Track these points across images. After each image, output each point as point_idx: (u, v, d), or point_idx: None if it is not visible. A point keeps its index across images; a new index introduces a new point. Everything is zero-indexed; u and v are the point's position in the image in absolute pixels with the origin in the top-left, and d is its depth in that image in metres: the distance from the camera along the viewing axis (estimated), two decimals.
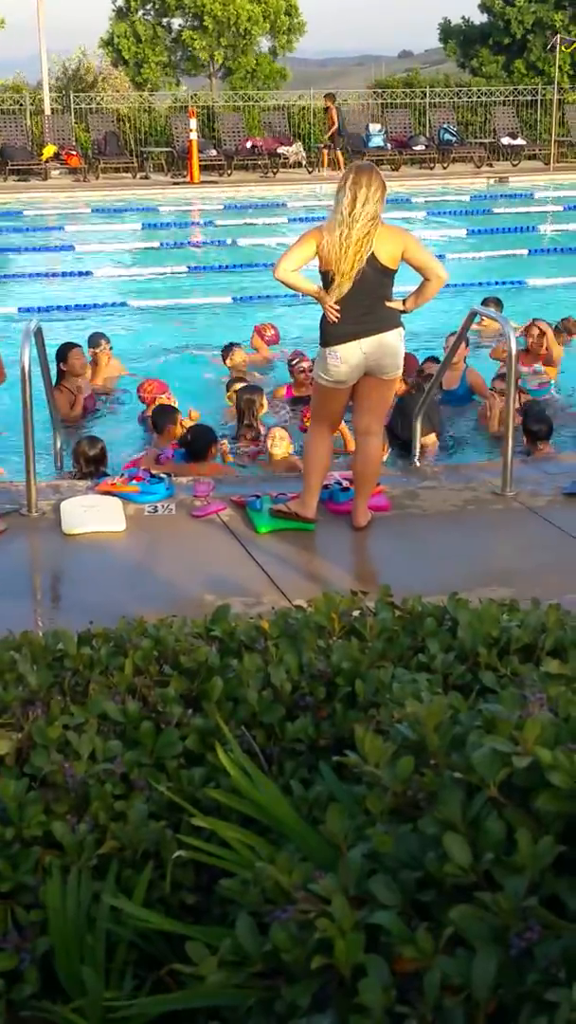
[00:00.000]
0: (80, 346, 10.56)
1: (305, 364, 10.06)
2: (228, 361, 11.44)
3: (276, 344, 12.36)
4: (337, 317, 6.35)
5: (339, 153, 28.95)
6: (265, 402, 9.61)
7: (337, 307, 6.35)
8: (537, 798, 1.58)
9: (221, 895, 1.98)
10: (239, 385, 10.63)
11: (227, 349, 11.54)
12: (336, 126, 29.43)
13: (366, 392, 6.58)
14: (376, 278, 6.36)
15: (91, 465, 8.22)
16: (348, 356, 6.41)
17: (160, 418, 9.05)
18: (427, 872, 1.64)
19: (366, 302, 6.36)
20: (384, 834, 1.72)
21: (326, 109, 29.82)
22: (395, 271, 6.44)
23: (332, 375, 6.50)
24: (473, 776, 1.66)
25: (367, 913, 1.63)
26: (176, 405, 9.50)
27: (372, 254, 6.31)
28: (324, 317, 6.48)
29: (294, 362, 10.60)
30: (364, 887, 1.68)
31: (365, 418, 6.67)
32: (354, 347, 6.39)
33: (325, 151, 29.29)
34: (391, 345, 6.45)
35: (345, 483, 7.03)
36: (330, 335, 6.45)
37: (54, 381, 9.74)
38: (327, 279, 6.40)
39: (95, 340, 11.33)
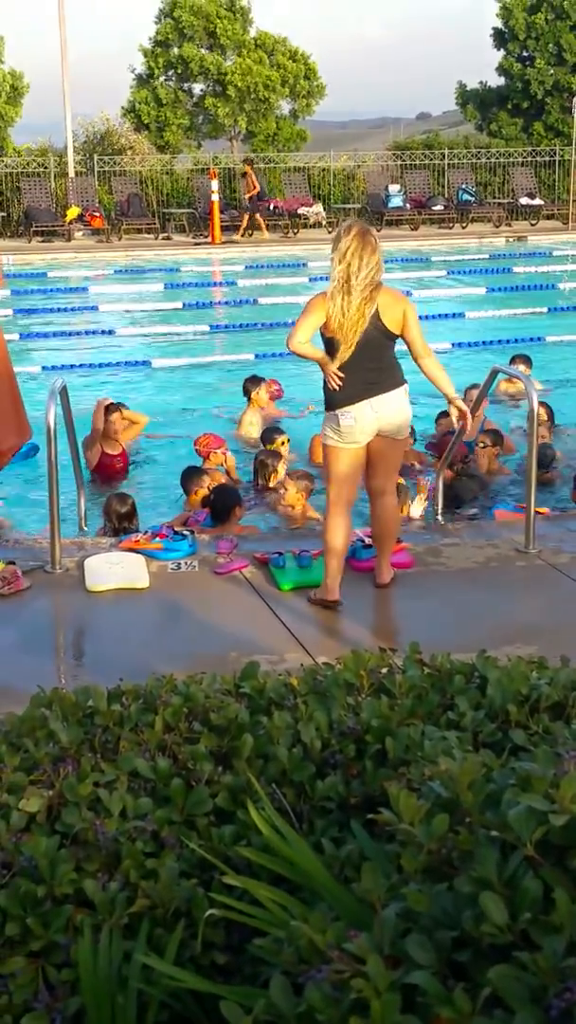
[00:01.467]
0: (120, 407, 10.59)
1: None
2: (254, 394, 11.60)
3: (280, 399, 12.42)
4: (339, 384, 6.34)
5: (259, 217, 28.70)
6: (281, 468, 9.63)
7: (341, 375, 6.35)
8: (574, 857, 1.57)
9: (253, 955, 1.97)
10: (254, 417, 10.82)
11: (254, 383, 11.68)
12: (257, 190, 29.00)
13: (378, 455, 6.54)
14: (381, 340, 6.38)
15: (122, 522, 8.27)
16: (360, 416, 6.38)
17: (186, 481, 9.09)
18: (463, 931, 1.63)
19: (373, 365, 6.37)
20: (419, 892, 1.71)
21: (244, 174, 29.37)
22: (398, 336, 6.43)
23: (345, 435, 6.43)
24: (509, 834, 1.65)
25: (403, 973, 1.62)
26: (228, 460, 9.63)
27: (377, 316, 6.32)
28: (344, 378, 6.45)
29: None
30: (399, 947, 1.67)
31: (378, 480, 6.63)
32: (365, 407, 6.38)
33: (246, 215, 28.92)
34: (400, 403, 6.46)
35: (367, 540, 7.05)
36: (338, 398, 6.41)
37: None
38: (331, 345, 6.40)
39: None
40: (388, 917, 1.72)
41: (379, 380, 6.39)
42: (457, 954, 1.63)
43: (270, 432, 10.44)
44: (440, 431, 10.81)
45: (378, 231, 27.17)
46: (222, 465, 9.75)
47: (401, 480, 8.86)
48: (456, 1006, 1.53)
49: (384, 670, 2.87)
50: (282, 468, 9.62)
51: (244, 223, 29.02)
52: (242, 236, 28.78)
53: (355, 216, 30.01)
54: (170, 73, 33.86)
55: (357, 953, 1.66)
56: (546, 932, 1.53)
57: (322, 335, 6.45)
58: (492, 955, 1.57)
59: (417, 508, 8.58)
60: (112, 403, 10.63)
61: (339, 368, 6.38)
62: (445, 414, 11.00)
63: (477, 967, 1.58)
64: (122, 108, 34.28)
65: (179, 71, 33.56)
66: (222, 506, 8.14)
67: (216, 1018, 1.87)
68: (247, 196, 29.22)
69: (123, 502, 8.43)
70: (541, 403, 10.71)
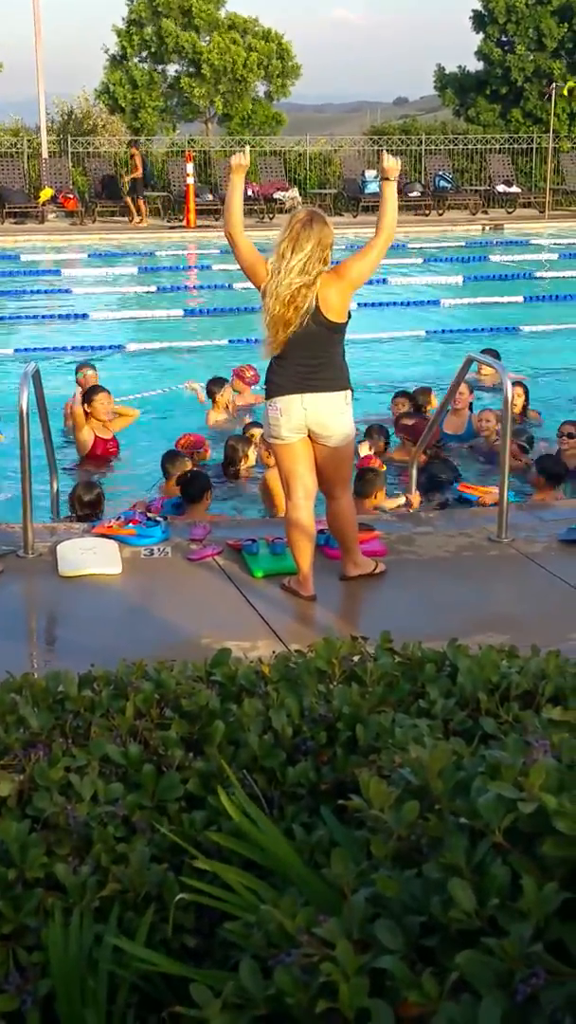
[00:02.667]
0: (107, 390, 10.55)
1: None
2: (218, 396, 11.62)
3: (256, 385, 12.43)
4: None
5: (141, 201, 28.30)
6: (252, 453, 9.66)
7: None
8: (542, 844, 1.59)
9: (223, 938, 1.99)
10: (222, 417, 10.86)
11: (216, 384, 11.70)
12: (140, 173, 28.49)
13: (320, 461, 6.31)
14: (322, 334, 6.13)
15: (86, 509, 8.27)
16: (288, 409, 6.16)
17: (167, 464, 9.10)
18: (431, 917, 1.65)
19: (310, 360, 6.13)
20: (388, 878, 1.73)
21: (131, 156, 28.87)
22: (343, 324, 6.20)
23: (273, 430, 6.27)
24: (478, 821, 1.67)
25: (371, 957, 1.64)
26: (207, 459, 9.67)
27: (317, 309, 6.06)
28: (271, 366, 6.28)
29: None
30: (368, 931, 1.69)
31: (325, 486, 6.43)
32: (295, 401, 6.16)
33: (129, 199, 28.50)
34: (335, 409, 6.20)
35: None
36: (273, 387, 6.25)
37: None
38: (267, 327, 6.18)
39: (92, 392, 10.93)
40: (357, 902, 1.74)
41: (316, 377, 6.16)
42: (425, 939, 1.65)
43: (246, 428, 10.48)
44: (396, 411, 10.86)
45: (354, 217, 26.95)
46: (204, 461, 9.81)
47: (378, 462, 8.90)
48: (424, 990, 1.55)
49: (356, 658, 2.89)
50: (252, 453, 9.66)
51: (132, 208, 28.42)
52: (131, 222, 28.28)
53: (331, 201, 30.01)
54: (144, 54, 33.66)
55: (326, 937, 1.68)
56: (513, 918, 1.55)
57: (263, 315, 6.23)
58: (460, 940, 1.59)
59: (392, 503, 8.57)
60: (95, 386, 10.59)
61: (276, 357, 6.19)
62: (401, 394, 11.08)
63: (445, 952, 1.60)
64: (95, 90, 34.08)
65: (153, 51, 33.35)
66: (197, 489, 8.15)
67: (186, 1001, 1.89)
68: (129, 179, 28.54)
69: (88, 490, 8.43)
70: (518, 384, 10.78)
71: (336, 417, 6.21)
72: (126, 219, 28.76)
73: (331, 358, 6.22)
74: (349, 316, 6.30)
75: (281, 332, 6.10)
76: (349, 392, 6.30)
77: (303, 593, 6.36)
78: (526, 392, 11.17)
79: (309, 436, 6.26)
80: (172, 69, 33.97)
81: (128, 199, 28.48)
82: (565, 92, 31.30)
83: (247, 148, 6.53)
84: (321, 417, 6.18)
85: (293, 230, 6.09)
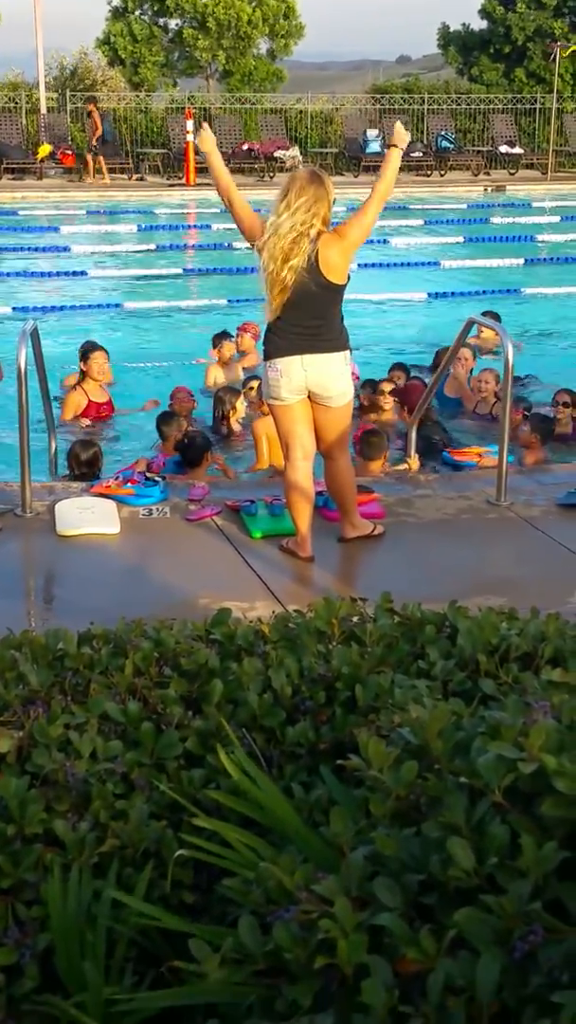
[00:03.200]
0: (104, 349, 10.45)
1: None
2: (216, 352, 11.57)
3: (259, 342, 12.38)
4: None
5: (101, 159, 27.86)
6: (240, 405, 9.66)
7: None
8: (541, 804, 1.60)
9: (221, 895, 2.00)
10: (221, 377, 10.84)
11: (220, 337, 11.64)
12: (100, 131, 27.97)
13: (319, 422, 6.32)
14: (320, 294, 6.10)
15: (83, 468, 8.26)
16: (287, 370, 6.16)
17: (163, 425, 9.08)
18: (430, 875, 1.66)
19: (309, 321, 6.13)
20: (387, 837, 1.74)
21: (88, 113, 28.31)
22: (342, 285, 6.17)
23: (272, 391, 6.28)
24: (477, 781, 1.68)
25: (369, 915, 1.65)
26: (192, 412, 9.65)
27: (317, 270, 6.04)
28: (270, 328, 6.25)
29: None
30: (366, 889, 1.70)
31: (322, 445, 6.44)
32: (295, 362, 6.15)
33: (90, 156, 28.05)
34: (334, 369, 6.20)
35: None
36: (272, 347, 6.24)
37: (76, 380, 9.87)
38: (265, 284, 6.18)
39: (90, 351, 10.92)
40: (356, 860, 1.75)
41: (315, 337, 6.15)
42: (424, 897, 1.66)
43: (246, 381, 10.45)
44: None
45: (355, 176, 26.73)
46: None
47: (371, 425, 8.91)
48: (422, 947, 1.56)
49: (355, 619, 2.89)
50: (241, 405, 9.65)
51: (91, 166, 28.02)
52: (92, 179, 27.93)
53: (333, 161, 29.81)
54: (145, 7, 33.32)
55: (325, 894, 1.69)
56: (512, 877, 1.56)
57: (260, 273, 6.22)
58: (458, 898, 1.60)
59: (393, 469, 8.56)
60: (93, 342, 10.50)
61: (275, 318, 6.18)
62: (396, 366, 11.04)
63: (443, 910, 1.61)
64: (96, 39, 33.74)
65: (155, 6, 33.03)
66: (195, 452, 8.15)
67: (184, 956, 1.90)
68: (93, 138, 28.10)
69: (86, 448, 8.41)
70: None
71: (336, 378, 6.21)
72: (125, 176, 28.55)
73: (331, 319, 6.20)
74: (348, 278, 6.27)
75: (279, 292, 6.08)
76: (348, 352, 6.30)
77: (301, 554, 6.36)
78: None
79: (308, 397, 6.25)
80: (173, 23, 33.63)
81: (89, 156, 28.11)
82: (566, 53, 31.03)
83: (205, 127, 6.58)
84: (321, 378, 6.17)
85: (292, 188, 6.07)
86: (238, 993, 1.75)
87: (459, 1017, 1.49)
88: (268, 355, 6.28)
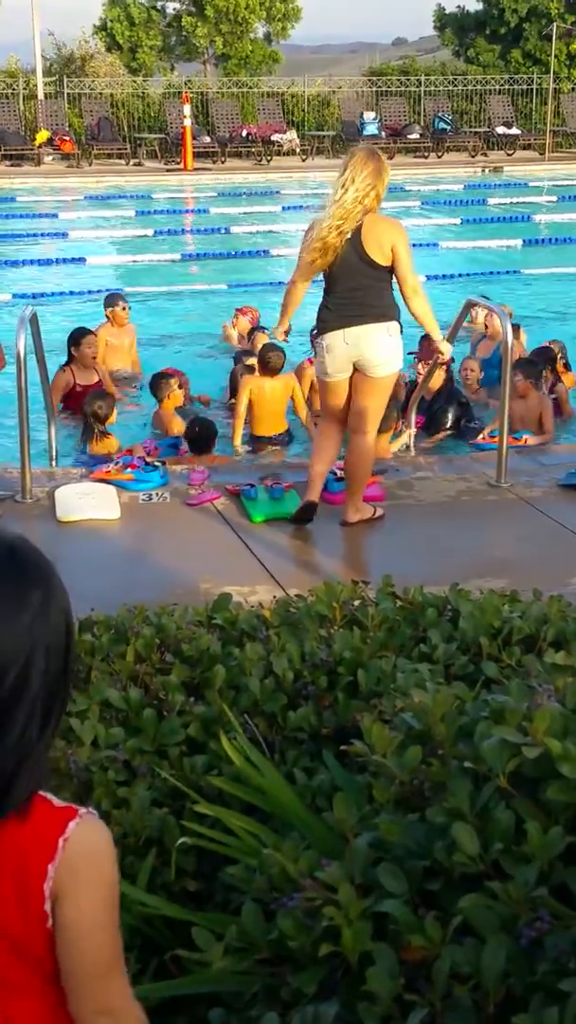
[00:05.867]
0: (95, 333, 10.40)
1: None
2: (235, 326, 11.63)
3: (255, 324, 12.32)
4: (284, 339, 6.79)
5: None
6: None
7: (284, 334, 6.80)
8: (547, 789, 1.59)
9: (225, 882, 1.99)
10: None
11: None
12: None
13: (354, 390, 6.43)
14: (362, 269, 6.23)
15: (100, 425, 8.54)
16: (333, 345, 6.33)
17: (155, 389, 9.15)
18: (434, 861, 1.64)
19: (350, 293, 6.27)
20: (391, 822, 1.73)
21: None
22: (384, 267, 6.26)
23: (319, 368, 6.47)
24: (482, 766, 1.66)
25: (374, 901, 1.64)
26: (182, 389, 9.62)
27: (359, 243, 6.19)
28: (321, 306, 6.42)
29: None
30: (370, 875, 1.69)
31: (352, 418, 6.50)
32: (338, 336, 6.30)
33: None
34: (376, 338, 6.28)
35: (340, 473, 7.03)
36: (320, 324, 6.42)
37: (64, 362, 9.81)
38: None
39: (113, 300, 11.16)
40: (360, 846, 1.73)
41: (357, 311, 6.26)
42: (428, 884, 1.64)
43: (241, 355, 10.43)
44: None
45: None
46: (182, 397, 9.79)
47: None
48: (427, 934, 1.55)
49: (357, 603, 2.88)
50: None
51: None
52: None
53: (330, 143, 29.71)
54: None
55: (329, 881, 1.67)
56: (517, 862, 1.55)
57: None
58: (463, 885, 1.59)
59: (395, 445, 8.54)
60: (83, 328, 10.42)
61: (324, 293, 6.39)
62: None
63: (448, 896, 1.60)
64: (94, 26, 33.60)
65: None
66: (204, 437, 8.15)
67: (187, 944, 1.89)
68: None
69: (104, 401, 8.62)
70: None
71: (376, 346, 6.32)
72: (123, 161, 28.44)
73: (374, 292, 6.33)
74: (392, 269, 6.34)
75: (321, 257, 6.26)
76: (394, 324, 6.38)
77: (303, 499, 6.53)
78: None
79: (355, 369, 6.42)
80: (171, 8, 33.48)
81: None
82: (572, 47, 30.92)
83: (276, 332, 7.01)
84: (361, 348, 6.31)
85: (352, 163, 6.25)
86: (242, 982, 1.74)
87: (465, 1004, 1.47)
88: (318, 332, 6.48)
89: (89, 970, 1.51)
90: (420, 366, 9.27)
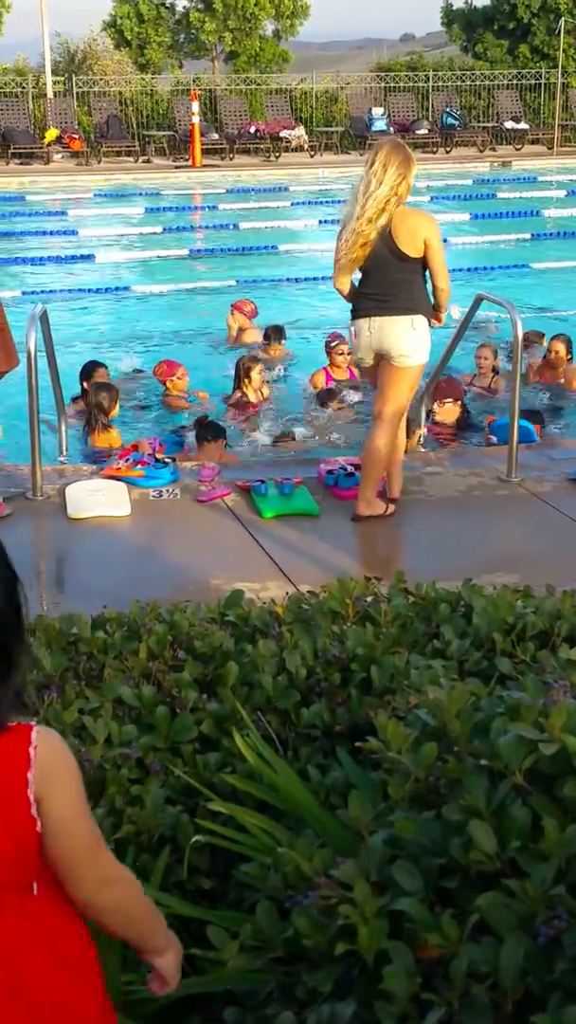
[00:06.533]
0: (105, 366, 10.25)
1: (345, 347, 9.90)
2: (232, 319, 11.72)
3: (256, 318, 12.27)
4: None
5: None
6: (256, 375, 9.68)
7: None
8: (564, 785, 1.57)
9: (239, 880, 1.98)
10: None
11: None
12: None
13: (381, 380, 6.59)
14: (391, 261, 6.33)
15: (103, 417, 8.68)
16: (359, 331, 6.50)
17: (157, 371, 9.26)
18: (451, 859, 1.63)
19: (379, 286, 6.38)
20: (406, 820, 1.71)
21: None
22: (415, 259, 6.37)
23: (353, 351, 6.71)
24: (498, 763, 1.65)
25: (389, 900, 1.63)
26: (186, 383, 9.64)
27: (389, 235, 6.29)
28: (355, 291, 6.56)
29: (332, 344, 10.48)
30: (386, 873, 1.67)
31: (377, 401, 6.65)
32: (363, 324, 6.45)
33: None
34: (399, 331, 6.38)
35: (351, 468, 7.02)
36: (352, 309, 6.57)
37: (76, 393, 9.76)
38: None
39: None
40: (375, 844, 1.72)
41: (384, 301, 6.39)
42: (444, 881, 1.63)
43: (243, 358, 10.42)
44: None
45: (361, 155, 26.54)
46: (182, 394, 9.80)
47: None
48: (444, 932, 1.54)
49: (369, 598, 2.87)
50: (257, 375, 9.65)
51: None
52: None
53: (338, 139, 29.67)
54: None
55: (344, 879, 1.66)
56: (535, 860, 1.54)
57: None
58: (480, 883, 1.58)
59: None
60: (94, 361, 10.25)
61: (358, 283, 6.51)
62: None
63: (465, 894, 1.59)
64: (103, 22, 33.60)
65: None
66: (214, 425, 8.23)
67: (201, 942, 1.88)
68: None
69: (108, 392, 8.70)
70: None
71: (398, 338, 6.42)
72: (131, 159, 28.41)
73: (405, 284, 6.41)
74: (422, 260, 6.44)
75: (359, 249, 6.34)
76: (419, 317, 6.45)
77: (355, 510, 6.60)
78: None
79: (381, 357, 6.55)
80: (180, 5, 33.46)
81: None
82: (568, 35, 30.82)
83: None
84: (384, 338, 6.42)
85: (380, 156, 6.36)
86: (257, 980, 1.73)
87: (483, 1003, 1.46)
88: (352, 318, 6.60)
89: (84, 851, 1.71)
90: (436, 406, 9.26)
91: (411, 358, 6.49)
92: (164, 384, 9.89)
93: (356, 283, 6.57)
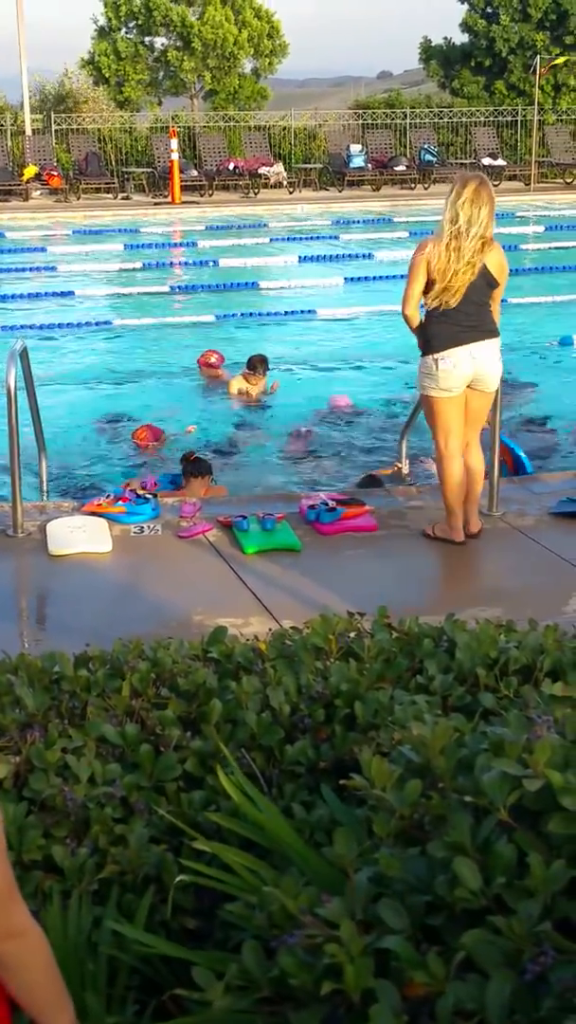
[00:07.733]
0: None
1: None
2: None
3: (221, 365, 12.30)
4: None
5: None
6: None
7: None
8: (548, 821, 1.58)
9: (223, 919, 1.97)
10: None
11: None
12: None
13: (471, 408, 6.68)
14: (484, 288, 6.50)
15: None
16: (459, 361, 6.49)
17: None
18: (436, 896, 1.63)
19: (474, 311, 6.50)
20: (391, 857, 1.71)
21: None
22: (499, 284, 6.57)
23: (442, 382, 6.52)
24: (482, 799, 1.65)
25: (376, 938, 1.62)
26: (163, 451, 9.62)
27: (485, 267, 6.46)
28: (428, 322, 6.54)
29: None
30: (372, 911, 1.67)
31: (468, 432, 6.75)
32: (464, 352, 6.48)
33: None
34: (496, 353, 6.60)
35: (332, 503, 7.03)
36: (439, 340, 6.49)
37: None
38: (430, 287, 6.49)
39: None
40: (360, 882, 1.72)
41: (479, 326, 6.51)
42: (430, 919, 1.63)
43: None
44: None
45: (339, 191, 26.73)
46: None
47: None
48: (430, 970, 1.53)
49: (352, 634, 2.87)
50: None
51: None
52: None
53: (317, 176, 29.87)
54: (131, 25, 33.34)
55: (329, 918, 1.66)
56: (520, 897, 1.53)
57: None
58: (466, 920, 1.58)
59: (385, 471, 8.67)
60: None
61: (441, 312, 6.46)
62: None
63: (451, 932, 1.58)
64: (81, 59, 33.77)
65: (140, 22, 33.03)
66: (202, 461, 8.26)
67: (186, 983, 1.87)
68: None
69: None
70: None
71: (496, 363, 6.64)
72: (110, 196, 28.53)
73: (488, 309, 6.58)
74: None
75: (454, 290, 6.42)
76: (499, 339, 6.66)
77: (455, 538, 6.67)
78: None
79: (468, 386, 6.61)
80: (159, 42, 33.66)
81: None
82: (561, 62, 31.10)
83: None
84: (485, 364, 6.56)
85: (470, 195, 6.37)
86: (243, 1020, 1.72)
87: None
88: (433, 348, 6.52)
89: None
90: None
91: (498, 380, 6.73)
92: (145, 449, 9.81)
93: (432, 313, 6.53)
